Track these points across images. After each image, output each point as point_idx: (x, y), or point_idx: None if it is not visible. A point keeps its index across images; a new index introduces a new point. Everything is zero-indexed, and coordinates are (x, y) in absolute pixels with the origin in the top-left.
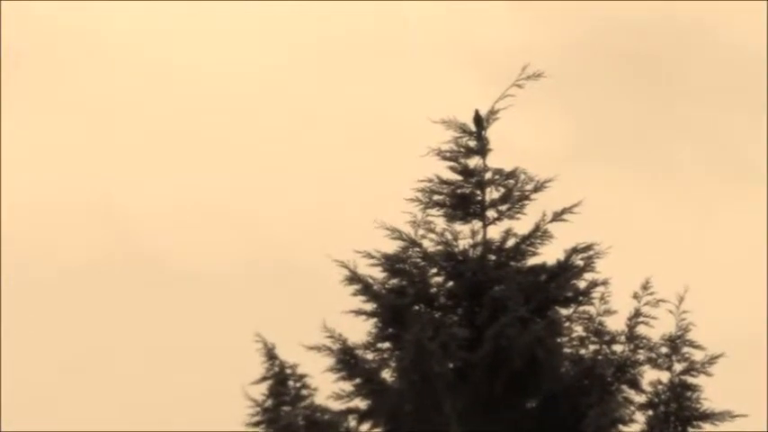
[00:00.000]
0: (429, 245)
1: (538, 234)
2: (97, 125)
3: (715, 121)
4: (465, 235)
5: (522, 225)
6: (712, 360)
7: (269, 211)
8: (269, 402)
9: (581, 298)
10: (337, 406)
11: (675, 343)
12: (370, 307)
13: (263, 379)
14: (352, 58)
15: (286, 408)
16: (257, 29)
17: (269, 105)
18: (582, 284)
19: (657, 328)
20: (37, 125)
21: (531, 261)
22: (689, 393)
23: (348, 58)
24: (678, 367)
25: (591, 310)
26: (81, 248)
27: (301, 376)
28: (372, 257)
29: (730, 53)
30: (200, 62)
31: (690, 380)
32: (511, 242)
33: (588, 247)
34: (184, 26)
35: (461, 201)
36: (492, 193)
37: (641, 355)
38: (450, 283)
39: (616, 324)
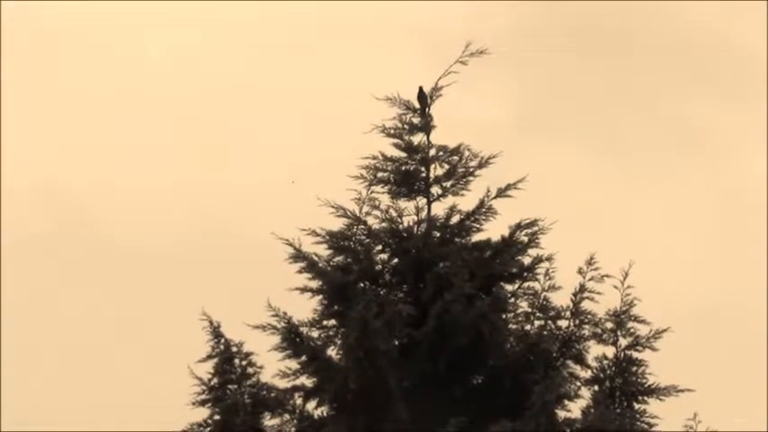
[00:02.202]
0: (374, 222)
1: (482, 210)
2: (43, 106)
3: (662, 93)
4: (409, 212)
5: (467, 201)
6: (657, 335)
7: (213, 188)
8: (215, 381)
9: (526, 274)
10: (283, 384)
11: (620, 318)
12: (315, 284)
13: (209, 357)
14: (296, 35)
15: (232, 386)
16: (199, 5)
17: (212, 81)
18: (527, 260)
19: (602, 304)
20: None
21: (476, 237)
22: (634, 368)
23: (292, 35)
24: (623, 342)
25: (536, 285)
26: (26, 226)
27: (247, 354)
28: (317, 235)
29: (677, 25)
30: (141, 40)
31: (635, 355)
32: (455, 219)
33: (533, 223)
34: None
35: (406, 178)
36: (436, 170)
37: (586, 331)
38: (395, 260)
39: (561, 300)
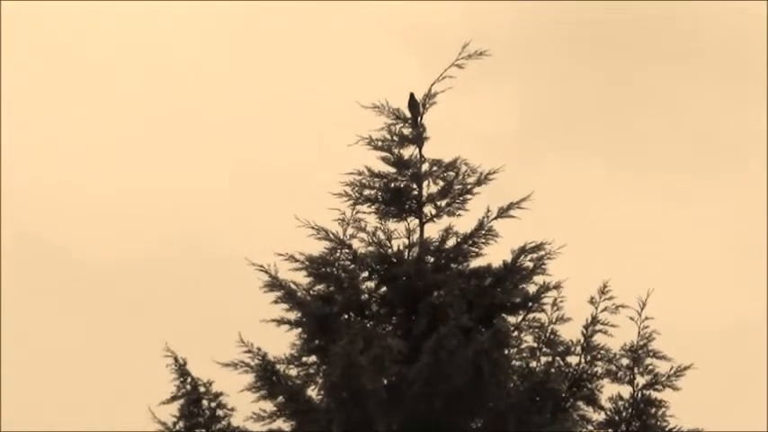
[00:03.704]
0: (359, 245)
1: (481, 232)
2: (42, 106)
3: (679, 97)
4: (399, 234)
5: (464, 223)
6: (679, 372)
7: (181, 205)
8: (180, 425)
9: (531, 304)
10: (257, 428)
11: (637, 353)
12: (293, 316)
13: (174, 398)
14: (275, 39)
15: (200, 431)
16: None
17: (186, 90)
18: (532, 289)
19: (617, 338)
20: None
21: (474, 263)
22: (653, 410)
23: (270, 39)
24: (641, 381)
25: (542, 317)
26: None
27: (217, 395)
28: (296, 260)
29: (686, 26)
30: (116, 47)
31: (654, 395)
32: (451, 242)
33: (538, 247)
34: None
35: (395, 195)
36: (429, 187)
37: (599, 368)
38: (384, 289)
39: (571, 333)
